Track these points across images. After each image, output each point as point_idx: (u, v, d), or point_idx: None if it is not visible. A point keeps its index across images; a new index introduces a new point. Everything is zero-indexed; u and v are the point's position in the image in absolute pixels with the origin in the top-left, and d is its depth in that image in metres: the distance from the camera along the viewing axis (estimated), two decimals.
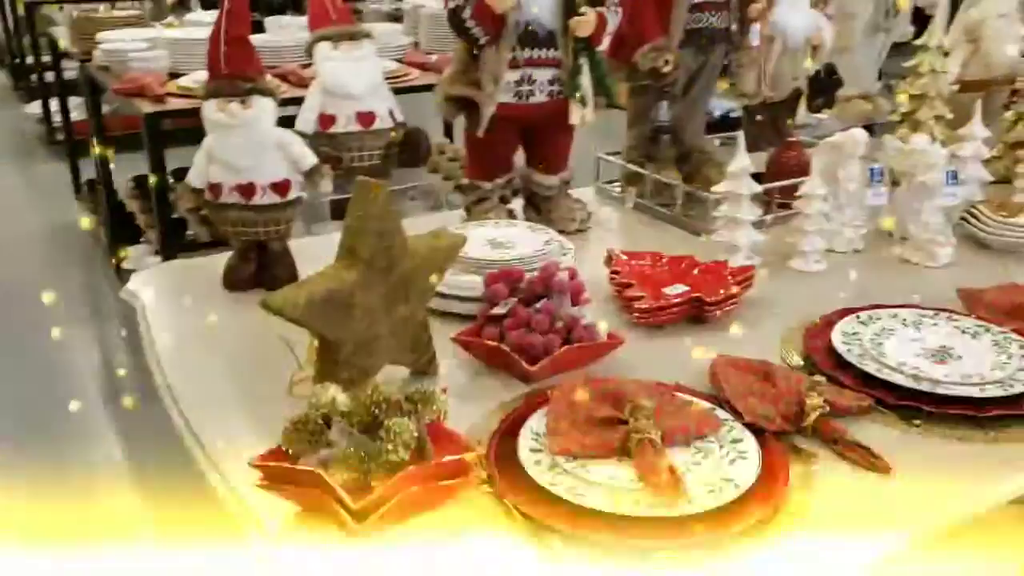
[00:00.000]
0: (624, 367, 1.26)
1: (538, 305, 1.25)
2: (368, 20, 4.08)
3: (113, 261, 3.77)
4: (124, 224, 3.81)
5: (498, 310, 1.25)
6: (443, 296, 1.38)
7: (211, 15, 3.63)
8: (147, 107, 2.70)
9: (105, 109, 3.80)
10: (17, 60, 6.81)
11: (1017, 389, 1.15)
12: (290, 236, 1.55)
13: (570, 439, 1.03)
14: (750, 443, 1.05)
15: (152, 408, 1.24)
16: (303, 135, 1.58)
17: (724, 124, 4.76)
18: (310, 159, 1.48)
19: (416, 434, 0.92)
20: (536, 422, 1.08)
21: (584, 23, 1.60)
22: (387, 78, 3.20)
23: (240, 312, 1.46)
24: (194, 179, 1.48)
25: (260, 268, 1.52)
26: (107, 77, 3.06)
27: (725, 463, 1.01)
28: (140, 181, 4.19)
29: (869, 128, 2.36)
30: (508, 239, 1.50)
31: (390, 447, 0.90)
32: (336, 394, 0.98)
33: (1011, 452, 1.08)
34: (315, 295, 1.03)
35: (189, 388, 1.22)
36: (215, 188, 1.47)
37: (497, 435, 1.08)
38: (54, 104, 5.16)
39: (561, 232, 1.75)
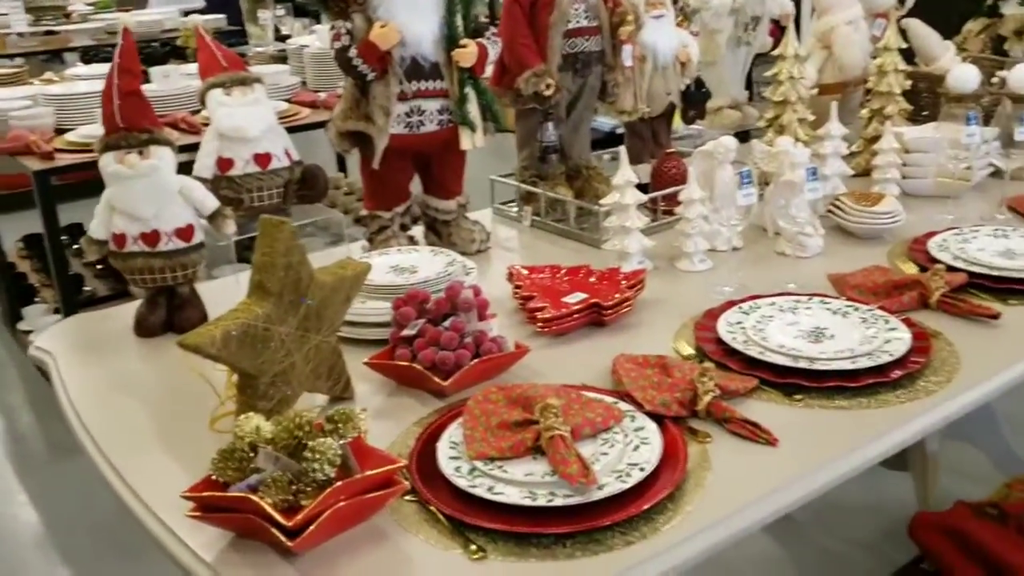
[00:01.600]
0: (533, 374, 1.34)
1: (446, 323, 1.32)
2: (253, 62, 4.09)
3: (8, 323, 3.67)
4: (17, 285, 3.72)
5: (408, 331, 1.31)
6: (353, 324, 1.44)
7: (91, 69, 3.60)
8: (36, 165, 2.67)
9: None
10: None
11: (884, 359, 1.28)
12: (197, 279, 1.58)
13: (486, 444, 1.10)
14: (651, 430, 1.14)
15: (62, 468, 1.26)
16: (202, 180, 1.61)
17: (613, 139, 4.94)
18: (212, 203, 1.52)
19: (339, 452, 0.97)
20: (453, 432, 1.15)
21: (466, 54, 1.68)
22: (278, 119, 3.25)
23: (154, 357, 1.49)
24: (96, 231, 1.50)
25: (170, 313, 1.55)
26: None
27: (630, 450, 1.10)
28: (29, 241, 4.10)
29: (745, 134, 2.52)
30: (411, 264, 1.56)
31: (316, 466, 0.95)
32: (259, 422, 1.02)
33: (881, 416, 1.20)
34: (230, 330, 1.08)
35: (110, 434, 1.24)
36: (119, 238, 1.49)
37: (417, 447, 1.15)
38: None
39: (463, 254, 1.82)
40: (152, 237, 1.48)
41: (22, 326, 3.52)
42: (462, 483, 1.05)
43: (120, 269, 1.53)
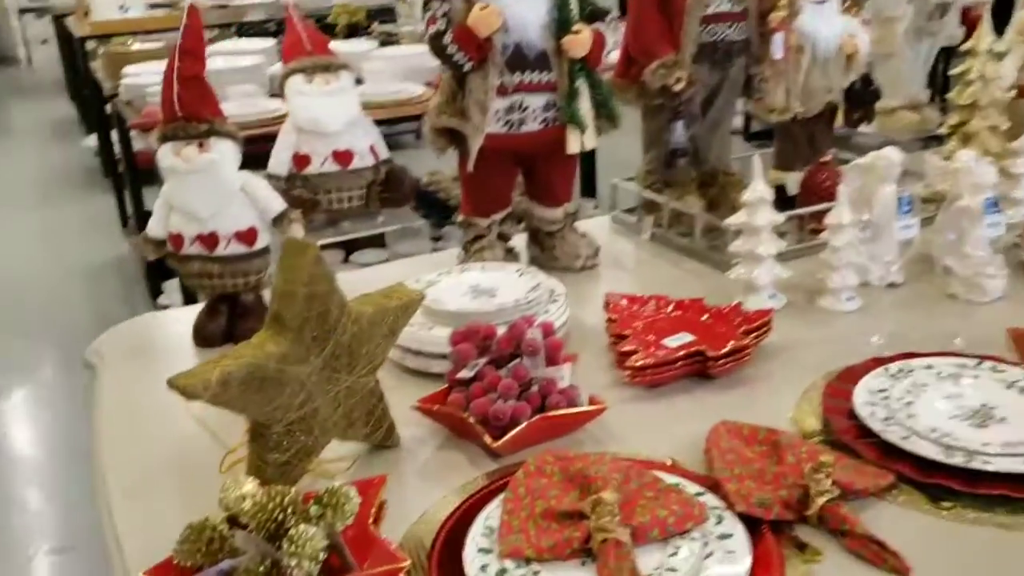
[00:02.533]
0: (609, 437, 1.11)
1: (510, 365, 1.11)
2: (404, 41, 3.99)
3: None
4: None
5: (464, 373, 1.11)
6: (417, 353, 1.25)
7: (235, 44, 3.58)
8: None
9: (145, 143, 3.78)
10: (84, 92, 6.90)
11: None
12: (264, 287, 1.43)
13: (524, 538, 0.88)
14: (740, 539, 0.88)
15: None
16: (276, 178, 1.46)
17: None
18: (277, 205, 1.36)
19: (323, 545, 0.78)
20: (492, 512, 0.93)
21: (578, 42, 1.45)
22: (415, 102, 3.11)
23: None
24: (154, 229, 1.38)
25: (232, 321, 1.41)
26: (130, 111, 3.03)
27: (708, 566, 0.85)
28: None
29: (939, 138, 2.15)
30: (492, 286, 1.35)
31: (293, 562, 0.76)
32: (249, 490, 0.85)
33: None
34: (231, 373, 0.90)
35: (122, 464, 1.11)
36: (176, 239, 1.36)
37: (448, 525, 0.94)
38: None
39: (566, 270, 1.61)
40: (210, 240, 1.34)
41: (162, 300, 3.57)
42: None
43: (179, 272, 1.40)
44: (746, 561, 0.85)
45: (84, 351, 1.42)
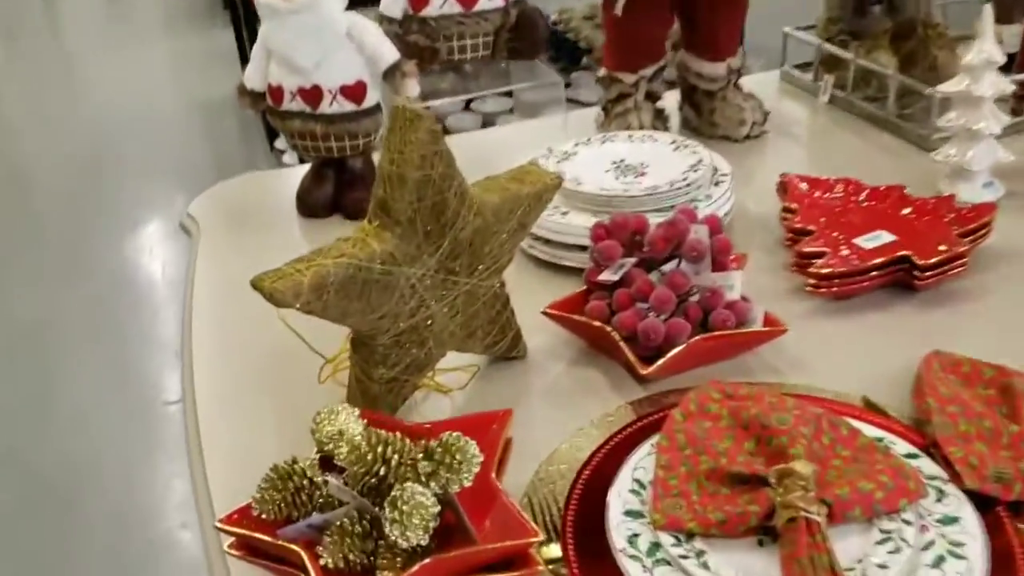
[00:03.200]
0: (787, 362, 0.90)
1: (665, 268, 0.90)
2: None
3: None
4: None
5: (608, 276, 0.90)
6: (547, 243, 1.06)
7: None
8: None
9: None
10: None
11: None
12: (374, 151, 1.25)
13: (685, 504, 0.69)
14: (970, 525, 0.68)
15: None
16: (390, 20, 1.24)
17: None
18: (388, 54, 1.15)
19: (436, 511, 0.61)
20: (643, 461, 0.75)
21: None
22: None
23: (312, 245, 1.19)
24: (251, 79, 1.20)
25: (339, 189, 1.24)
26: None
27: (926, 562, 0.65)
28: None
29: None
30: (642, 161, 1.12)
31: (396, 531, 0.60)
32: (348, 424, 0.68)
33: None
34: (326, 276, 0.73)
35: (213, 365, 0.97)
36: (276, 92, 1.18)
37: (585, 474, 0.76)
38: None
39: (726, 139, 1.36)
40: (313, 94, 1.15)
41: (279, 144, 3.45)
42: (634, 571, 0.66)
43: (281, 130, 1.23)
44: (981, 559, 0.65)
45: (205, 192, 1.29)
